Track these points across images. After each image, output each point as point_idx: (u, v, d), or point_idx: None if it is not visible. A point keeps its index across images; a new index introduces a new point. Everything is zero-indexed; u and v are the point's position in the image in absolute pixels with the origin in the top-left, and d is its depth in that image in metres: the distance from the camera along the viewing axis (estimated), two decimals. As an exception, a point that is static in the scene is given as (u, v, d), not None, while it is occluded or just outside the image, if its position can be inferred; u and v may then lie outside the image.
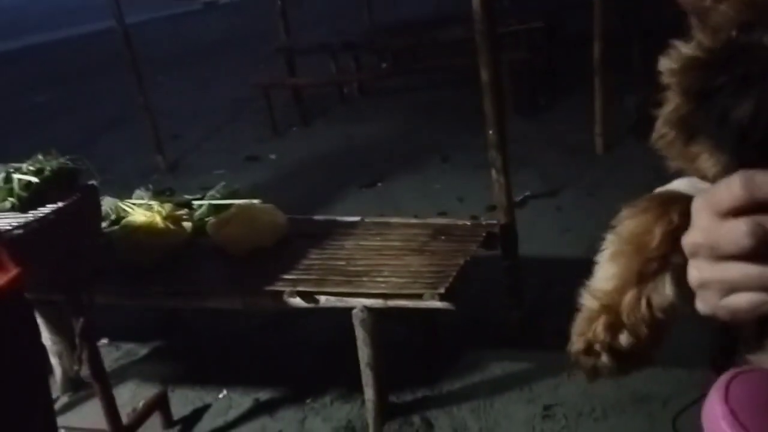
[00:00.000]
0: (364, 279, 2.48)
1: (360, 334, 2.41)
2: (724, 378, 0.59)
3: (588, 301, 0.62)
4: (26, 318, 1.44)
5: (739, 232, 0.47)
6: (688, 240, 0.54)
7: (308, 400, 2.75)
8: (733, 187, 0.48)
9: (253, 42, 10.03)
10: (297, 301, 2.47)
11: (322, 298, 2.45)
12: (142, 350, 3.25)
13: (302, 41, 7.57)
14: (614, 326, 0.61)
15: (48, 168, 2.34)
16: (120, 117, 7.25)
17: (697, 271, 0.53)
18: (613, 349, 0.62)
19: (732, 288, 0.50)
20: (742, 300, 0.50)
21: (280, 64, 7.08)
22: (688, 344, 2.85)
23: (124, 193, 3.17)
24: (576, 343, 0.61)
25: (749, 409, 0.56)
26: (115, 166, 5.82)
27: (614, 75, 5.12)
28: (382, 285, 2.43)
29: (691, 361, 2.66)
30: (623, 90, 5.77)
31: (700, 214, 0.52)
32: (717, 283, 0.51)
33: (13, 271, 1.34)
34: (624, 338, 0.61)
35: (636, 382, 2.59)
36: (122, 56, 5.64)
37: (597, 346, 0.62)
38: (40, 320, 2.89)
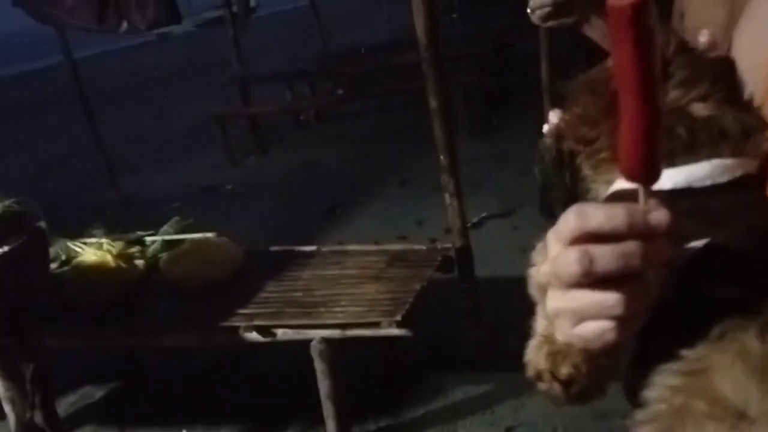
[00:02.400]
0: (322, 310, 2.47)
1: (319, 366, 2.39)
2: None
3: (538, 326, 0.63)
4: None
5: (569, 260, 0.48)
6: (542, 270, 0.55)
7: (270, 435, 2.71)
8: (569, 219, 0.49)
9: (207, 72, 9.99)
10: (254, 336, 2.44)
11: (279, 332, 2.43)
12: (99, 392, 3.17)
13: (256, 70, 7.58)
14: (555, 356, 0.60)
15: (-8, 211, 2.28)
16: (72, 152, 7.13)
17: (550, 301, 0.53)
18: (558, 378, 0.60)
19: (580, 316, 0.50)
20: (588, 328, 0.50)
21: (235, 93, 7.06)
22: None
23: (78, 231, 3.11)
24: (528, 371, 0.60)
25: None
26: (69, 203, 5.70)
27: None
28: (340, 315, 2.42)
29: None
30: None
31: (551, 244, 0.52)
32: (567, 312, 0.51)
33: None
34: (564, 370, 0.59)
35: (599, 400, 2.61)
36: (72, 91, 5.56)
37: (544, 375, 0.61)
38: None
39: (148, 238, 3.11)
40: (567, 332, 0.52)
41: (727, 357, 0.50)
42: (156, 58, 13.94)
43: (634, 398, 0.57)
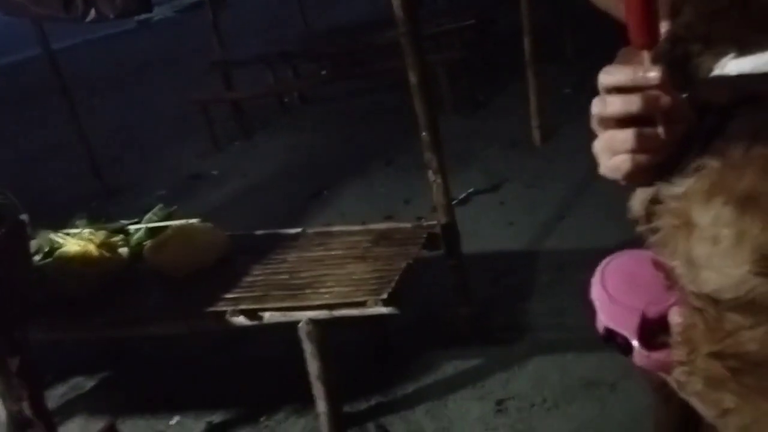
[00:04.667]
0: (308, 291, 2.46)
1: (307, 347, 2.39)
2: (603, 262, 0.76)
3: None
4: None
5: (594, 105, 0.63)
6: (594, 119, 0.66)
7: (262, 419, 2.71)
8: (600, 76, 0.63)
9: (188, 57, 9.89)
10: (240, 320, 2.43)
11: (266, 315, 2.42)
12: (89, 383, 3.16)
13: (238, 53, 7.49)
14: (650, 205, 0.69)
15: (-32, 205, 2.25)
16: (55, 144, 7.06)
17: (595, 142, 0.66)
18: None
19: (607, 151, 0.64)
20: (613, 160, 0.63)
21: (218, 78, 6.99)
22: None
23: (63, 223, 3.08)
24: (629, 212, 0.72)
25: (614, 277, 0.71)
26: (53, 195, 5.66)
27: (548, 67, 5.21)
28: (326, 296, 2.41)
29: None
30: (559, 81, 5.90)
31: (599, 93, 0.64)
32: (600, 149, 0.65)
33: None
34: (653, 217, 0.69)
35: (584, 369, 2.63)
36: (52, 82, 5.49)
37: (639, 219, 0.71)
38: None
39: (132, 227, 3.08)
40: (603, 166, 0.66)
41: (700, 186, 0.60)
42: (136, 45, 13.77)
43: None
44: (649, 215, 0.69)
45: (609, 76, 0.62)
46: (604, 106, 0.62)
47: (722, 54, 0.65)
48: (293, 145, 6.13)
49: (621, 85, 0.61)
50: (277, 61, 7.26)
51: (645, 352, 0.65)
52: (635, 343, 0.65)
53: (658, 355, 0.65)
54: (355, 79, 7.09)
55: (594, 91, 0.68)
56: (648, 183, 0.65)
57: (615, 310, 0.67)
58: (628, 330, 0.66)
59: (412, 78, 2.67)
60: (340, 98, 7.24)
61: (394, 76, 6.67)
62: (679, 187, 0.62)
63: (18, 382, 2.28)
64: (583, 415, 2.45)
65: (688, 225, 0.59)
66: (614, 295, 0.68)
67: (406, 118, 3.21)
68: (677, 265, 0.61)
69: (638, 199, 0.72)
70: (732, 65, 0.63)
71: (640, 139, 0.61)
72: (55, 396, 3.05)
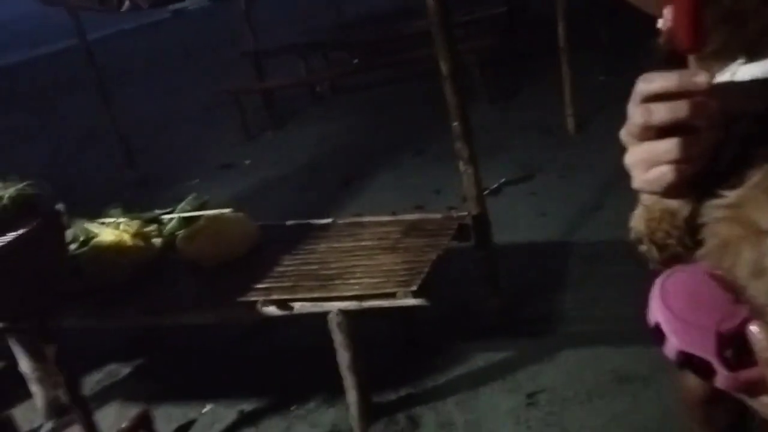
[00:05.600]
0: (338, 282, 2.46)
1: (337, 337, 2.39)
2: (662, 276, 0.68)
3: (641, 197, 0.71)
4: None
5: (635, 115, 0.59)
6: (624, 128, 0.63)
7: (293, 408, 2.73)
8: (638, 85, 0.60)
9: (221, 47, 9.95)
10: (271, 310, 2.45)
11: (297, 305, 2.43)
12: (124, 370, 3.21)
13: (270, 43, 7.51)
14: (652, 222, 0.68)
15: (6, 196, 2.29)
16: (90, 134, 7.17)
17: (627, 156, 0.63)
18: (654, 241, 0.69)
19: (645, 163, 0.60)
20: (651, 173, 0.60)
21: (249, 68, 7.03)
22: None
23: (97, 212, 3.13)
24: (631, 235, 0.71)
25: (678, 297, 0.65)
26: (88, 184, 5.76)
27: (582, 54, 5.12)
28: (356, 287, 2.41)
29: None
30: (593, 68, 5.79)
31: (632, 105, 0.61)
32: (636, 162, 0.61)
33: None
34: (659, 234, 0.68)
35: (617, 363, 2.59)
36: (87, 73, 5.57)
37: (643, 239, 0.70)
38: (16, 347, 2.86)
39: (165, 216, 3.12)
40: (638, 180, 0.62)
41: (759, 192, 0.58)
42: (170, 35, 13.91)
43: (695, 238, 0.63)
44: (652, 233, 0.67)
45: (652, 83, 0.59)
46: (649, 114, 0.59)
47: (730, 59, 0.62)
48: (324, 135, 6.13)
49: (667, 91, 0.58)
50: (308, 51, 7.27)
51: (731, 374, 0.60)
52: (718, 365, 0.60)
53: (747, 374, 0.60)
54: (385, 68, 7.07)
55: (628, 79, 0.66)
56: (682, 195, 0.62)
57: (687, 332, 0.62)
58: (706, 352, 0.61)
59: (443, 67, 2.64)
60: (371, 87, 7.22)
61: (424, 65, 6.65)
62: (727, 196, 0.59)
63: (54, 369, 2.33)
64: (615, 409, 2.41)
65: (755, 233, 0.56)
66: (681, 315, 0.64)
67: (437, 107, 3.18)
68: (743, 276, 0.57)
69: (639, 218, 0.70)
70: (743, 71, 0.60)
71: (685, 148, 0.58)
72: (90, 383, 3.12)
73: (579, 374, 2.58)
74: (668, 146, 0.59)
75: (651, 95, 0.59)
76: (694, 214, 0.63)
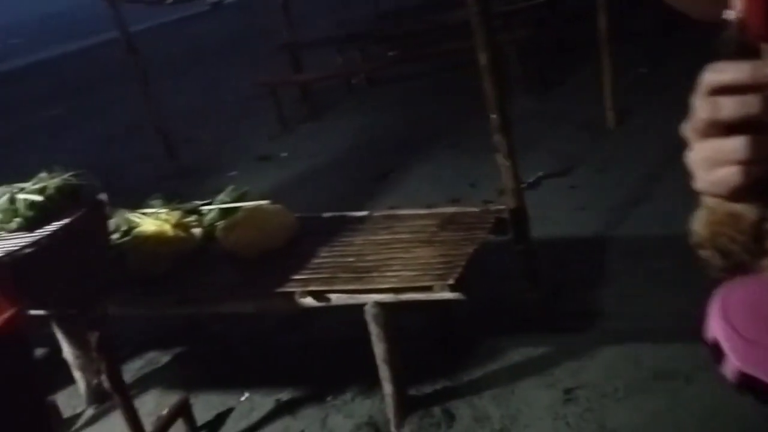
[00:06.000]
0: (374, 274, 2.46)
1: (373, 329, 2.40)
2: (722, 288, 0.65)
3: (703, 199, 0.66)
4: (20, 360, 1.43)
5: (701, 109, 0.55)
6: (687, 123, 0.59)
7: (329, 398, 2.74)
8: (705, 76, 0.55)
9: (259, 39, 10.02)
10: (308, 301, 2.46)
11: (333, 297, 2.44)
12: (164, 357, 3.27)
13: (307, 35, 7.54)
14: (715, 226, 0.63)
15: (51, 186, 2.35)
16: (132, 125, 7.30)
17: (689, 154, 0.59)
18: (716, 247, 0.64)
19: (710, 163, 0.56)
20: (717, 174, 0.56)
21: (287, 60, 7.06)
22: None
23: (138, 202, 3.18)
24: (692, 239, 0.65)
25: (740, 311, 0.61)
26: (130, 175, 5.87)
27: (623, 45, 5.02)
28: (393, 279, 2.41)
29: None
30: (633, 60, 5.69)
31: (697, 97, 0.57)
32: (700, 160, 0.57)
33: (7, 312, 1.33)
34: (722, 239, 0.63)
35: (657, 359, 2.55)
36: (128, 65, 5.66)
37: (704, 244, 0.65)
38: (59, 334, 2.93)
39: (205, 207, 3.16)
40: (701, 180, 0.58)
41: None
42: (209, 28, 14.05)
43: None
44: (715, 238, 0.62)
45: (721, 74, 0.54)
46: (716, 108, 0.54)
47: None
48: (360, 127, 6.14)
49: (737, 83, 0.54)
50: (344, 43, 7.28)
51: None
52: None
53: None
54: (421, 60, 7.04)
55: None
56: (750, 199, 0.58)
57: (749, 351, 0.58)
58: None
59: (482, 59, 2.62)
60: (407, 79, 7.20)
61: (461, 57, 6.61)
62: None
63: (96, 356, 2.37)
64: (655, 407, 2.37)
65: None
66: (743, 332, 0.59)
67: (473, 98, 3.16)
68: None
69: (701, 221, 0.65)
70: None
71: (755, 147, 0.54)
72: (131, 370, 3.18)
73: (618, 371, 2.55)
74: (736, 145, 0.54)
75: (719, 87, 0.54)
76: (761, 220, 0.59)
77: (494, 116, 2.67)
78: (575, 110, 5.27)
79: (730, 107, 0.54)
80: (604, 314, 2.88)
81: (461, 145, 5.15)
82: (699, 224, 0.65)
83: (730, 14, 0.59)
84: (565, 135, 4.88)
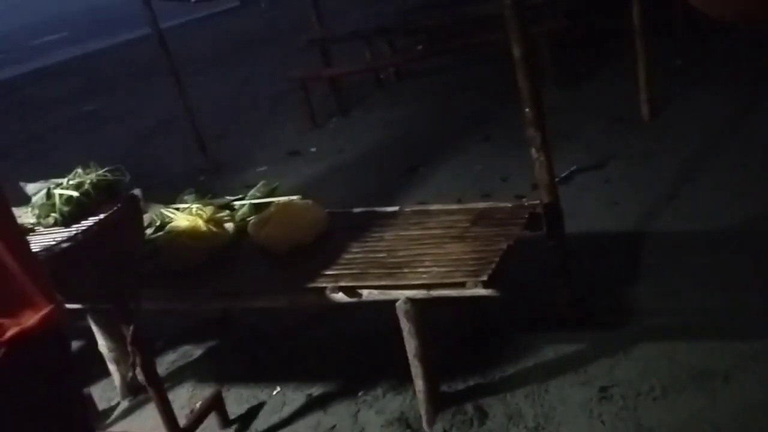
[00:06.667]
0: (406, 270, 2.45)
1: (405, 325, 2.39)
2: None
3: None
4: (58, 356, 1.44)
5: None
6: None
7: (360, 393, 2.74)
8: None
9: (289, 34, 10.04)
10: (340, 297, 2.46)
11: (365, 292, 2.44)
12: (197, 351, 3.30)
13: (336, 29, 7.53)
14: None
15: (87, 181, 2.37)
16: (165, 120, 7.37)
17: None
18: None
19: None
20: None
21: (316, 55, 7.07)
22: (748, 315, 2.75)
23: (172, 197, 3.21)
24: None
25: None
26: (163, 170, 5.93)
27: (658, 37, 4.93)
28: (424, 275, 2.39)
29: (752, 333, 2.55)
30: (668, 52, 5.58)
31: None
32: None
33: (45, 309, 1.34)
34: None
35: (695, 357, 2.50)
36: (161, 61, 5.71)
37: None
38: (95, 328, 2.97)
39: (237, 203, 3.17)
40: None
41: None
42: (239, 23, 14.14)
43: None
44: None
45: None
46: None
47: None
48: (389, 121, 6.12)
49: None
50: (373, 37, 7.25)
51: None
52: None
53: None
54: (451, 52, 6.98)
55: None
56: None
57: None
58: None
59: (516, 51, 2.58)
60: (436, 73, 7.15)
61: (492, 49, 6.54)
62: None
63: (131, 349, 2.40)
64: (693, 407, 2.33)
65: None
66: None
67: (504, 91, 3.13)
68: None
69: None
70: None
71: None
72: (165, 363, 3.22)
73: (654, 369, 2.50)
74: None
75: None
76: None
77: (528, 110, 2.64)
78: (609, 103, 5.19)
79: None
80: (639, 311, 2.84)
81: (492, 139, 5.10)
82: None
83: None
84: (598, 128, 4.80)
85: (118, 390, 3.06)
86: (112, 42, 15.10)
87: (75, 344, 3.34)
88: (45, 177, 2.62)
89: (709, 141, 4.15)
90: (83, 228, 2.27)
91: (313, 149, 5.86)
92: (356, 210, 3.09)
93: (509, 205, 2.79)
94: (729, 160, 3.87)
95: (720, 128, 4.28)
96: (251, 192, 3.21)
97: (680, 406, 2.33)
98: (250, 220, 2.95)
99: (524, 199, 2.91)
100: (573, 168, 4.20)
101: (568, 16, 6.16)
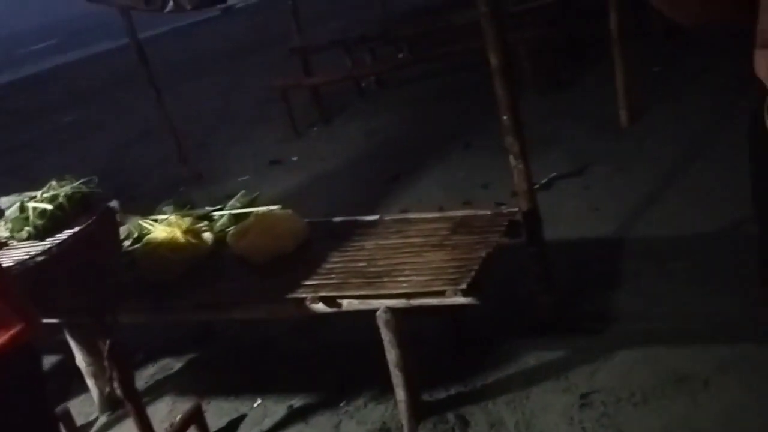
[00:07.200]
0: (386, 279, 2.44)
1: (385, 335, 2.37)
2: None
3: None
4: (28, 374, 1.41)
5: None
6: (759, 28, 0.56)
7: (342, 404, 2.72)
8: None
9: (269, 43, 10.04)
10: (320, 307, 2.44)
11: (345, 302, 2.42)
12: (177, 364, 3.27)
13: (317, 38, 7.54)
14: None
15: (62, 194, 2.35)
16: (146, 130, 7.33)
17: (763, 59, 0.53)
18: None
19: None
20: None
21: (297, 64, 7.06)
22: (728, 320, 2.76)
23: (151, 208, 3.18)
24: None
25: None
26: (143, 180, 5.89)
27: (636, 44, 4.97)
28: (404, 284, 2.38)
29: (731, 338, 2.57)
30: (647, 59, 5.62)
31: None
32: None
33: (15, 328, 1.32)
34: None
35: (675, 362, 2.51)
36: (140, 70, 5.68)
37: None
38: (72, 342, 2.93)
39: (216, 213, 3.15)
40: None
41: None
42: (220, 33, 14.11)
43: None
44: None
45: None
46: None
47: None
48: (370, 129, 6.12)
49: None
50: (354, 46, 7.26)
51: None
52: None
53: None
54: (432, 61, 7.00)
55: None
56: None
57: None
58: None
59: (493, 60, 2.59)
60: (417, 81, 7.18)
61: (472, 57, 6.57)
62: None
63: (109, 363, 2.37)
64: (673, 412, 2.33)
65: None
66: None
67: (485, 99, 3.13)
68: None
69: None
70: None
71: None
72: (144, 377, 3.18)
73: (635, 374, 2.50)
74: None
75: None
76: None
77: (506, 118, 2.64)
78: (588, 110, 5.22)
79: None
80: (619, 316, 2.84)
81: (473, 146, 5.12)
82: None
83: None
84: (578, 135, 4.83)
85: (97, 405, 3.02)
86: (95, 51, 15.01)
87: (53, 359, 3.30)
88: (25, 189, 2.59)
89: (687, 146, 4.19)
90: (57, 241, 2.24)
91: (295, 158, 5.85)
92: (336, 219, 3.08)
93: (489, 212, 2.78)
94: (707, 166, 3.90)
95: (698, 134, 4.32)
96: (230, 202, 3.19)
97: (660, 412, 2.34)
98: (229, 231, 2.93)
99: (504, 207, 2.91)
100: (553, 174, 4.22)
101: (548, 24, 6.21)
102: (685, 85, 5.15)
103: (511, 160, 2.70)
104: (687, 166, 3.97)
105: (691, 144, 4.21)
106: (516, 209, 2.74)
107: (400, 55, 7.39)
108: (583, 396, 2.47)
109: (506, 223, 2.66)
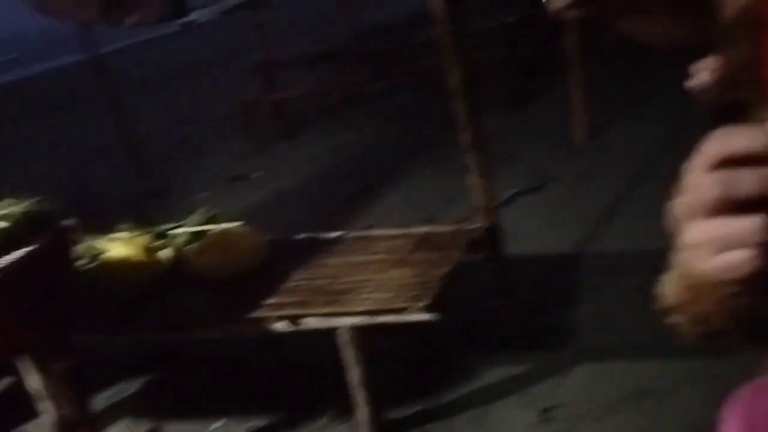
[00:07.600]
0: (348, 297, 2.43)
1: (348, 353, 2.35)
2: (743, 392, 0.56)
3: (675, 260, 0.61)
4: None
5: (710, 184, 0.47)
6: (680, 200, 0.52)
7: (304, 424, 2.69)
8: (710, 143, 0.48)
9: (232, 59, 9.98)
10: (281, 326, 2.41)
11: (307, 320, 2.40)
12: (134, 385, 3.18)
13: (281, 53, 7.52)
14: (688, 292, 0.59)
15: (15, 212, 2.28)
16: (103, 146, 7.20)
17: (689, 231, 0.51)
18: (688, 315, 0.59)
19: (720, 245, 0.48)
20: (729, 257, 0.48)
21: (261, 79, 7.03)
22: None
23: (108, 226, 3.11)
24: (659, 303, 0.61)
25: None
26: (102, 198, 5.77)
27: (595, 62, 5.07)
28: (367, 302, 2.37)
29: (690, 352, 2.61)
30: (605, 77, 5.74)
31: (693, 172, 0.50)
32: (707, 242, 0.49)
33: None
34: (695, 307, 0.58)
35: (634, 377, 2.54)
36: (98, 86, 5.59)
37: (674, 310, 0.61)
38: (25, 365, 2.84)
39: (175, 231, 3.10)
40: (707, 263, 0.50)
41: None
42: (181, 48, 14.00)
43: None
44: (694, 301, 0.57)
45: (729, 143, 0.47)
46: (731, 184, 0.47)
47: None
48: (335, 146, 6.11)
49: (752, 153, 0.47)
50: (319, 61, 7.27)
51: None
52: None
53: None
54: (396, 78, 7.04)
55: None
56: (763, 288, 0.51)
57: None
58: None
59: (452, 79, 2.61)
60: (382, 97, 7.19)
61: (437, 74, 6.63)
62: None
63: (64, 385, 2.30)
64: (633, 426, 2.35)
65: None
66: None
67: (448, 116, 3.16)
68: None
69: (675, 284, 0.59)
70: None
71: None
72: (101, 399, 3.09)
73: (596, 389, 2.53)
74: (755, 225, 0.47)
75: (727, 159, 0.47)
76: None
77: (464, 135, 2.67)
78: (548, 127, 5.30)
79: (748, 183, 0.46)
80: (581, 331, 2.87)
81: (437, 162, 5.14)
82: (669, 289, 0.59)
83: (700, 79, 0.55)
84: (538, 151, 4.90)
85: (50, 430, 2.92)
86: (57, 64, 14.72)
87: (3, 382, 3.19)
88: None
89: (644, 163, 4.27)
90: (9, 261, 2.18)
91: (258, 174, 5.80)
92: (299, 236, 3.06)
93: (450, 229, 2.80)
94: (664, 182, 3.96)
95: (655, 151, 4.41)
96: (190, 219, 3.14)
97: (621, 426, 2.36)
98: (187, 249, 2.88)
99: (465, 223, 2.93)
100: (514, 191, 4.26)
101: (508, 43, 6.30)
102: (643, 103, 5.27)
103: (472, 177, 2.72)
104: (644, 182, 4.05)
105: (648, 160, 4.29)
106: (477, 226, 2.75)
107: (365, 72, 7.41)
108: (545, 411, 2.48)
109: (467, 240, 2.67)
